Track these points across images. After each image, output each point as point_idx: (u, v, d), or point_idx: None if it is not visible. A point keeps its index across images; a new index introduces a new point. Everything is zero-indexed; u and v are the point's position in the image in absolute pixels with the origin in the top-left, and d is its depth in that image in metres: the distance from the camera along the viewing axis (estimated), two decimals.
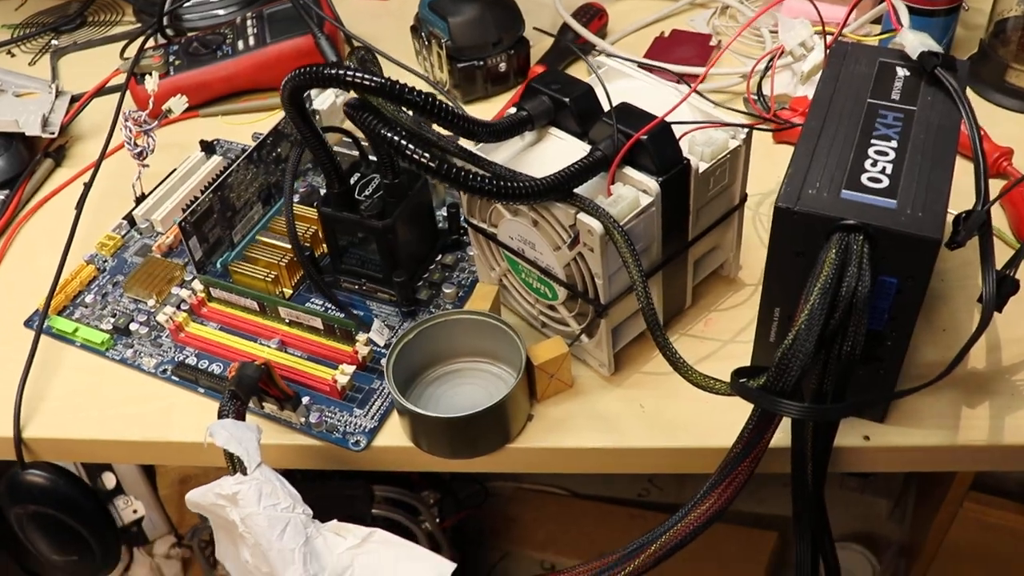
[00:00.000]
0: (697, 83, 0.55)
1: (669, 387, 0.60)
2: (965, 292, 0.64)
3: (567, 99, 0.56)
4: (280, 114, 0.84)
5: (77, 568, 0.69)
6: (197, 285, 0.66)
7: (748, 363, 0.60)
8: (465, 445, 0.57)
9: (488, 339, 0.60)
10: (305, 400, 0.59)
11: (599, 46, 0.88)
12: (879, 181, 0.50)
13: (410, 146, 0.48)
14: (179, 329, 0.64)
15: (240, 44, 0.85)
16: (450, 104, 0.50)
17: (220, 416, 0.52)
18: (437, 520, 1.10)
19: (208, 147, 0.78)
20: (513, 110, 0.57)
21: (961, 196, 0.53)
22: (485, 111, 0.84)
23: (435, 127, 0.52)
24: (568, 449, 0.58)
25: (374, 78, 0.49)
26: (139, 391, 0.63)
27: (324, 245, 0.67)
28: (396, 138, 0.49)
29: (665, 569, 1.26)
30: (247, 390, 0.54)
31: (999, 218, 0.70)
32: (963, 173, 0.53)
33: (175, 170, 0.77)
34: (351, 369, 0.60)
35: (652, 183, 0.53)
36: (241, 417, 0.53)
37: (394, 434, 0.59)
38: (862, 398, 0.52)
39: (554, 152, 0.56)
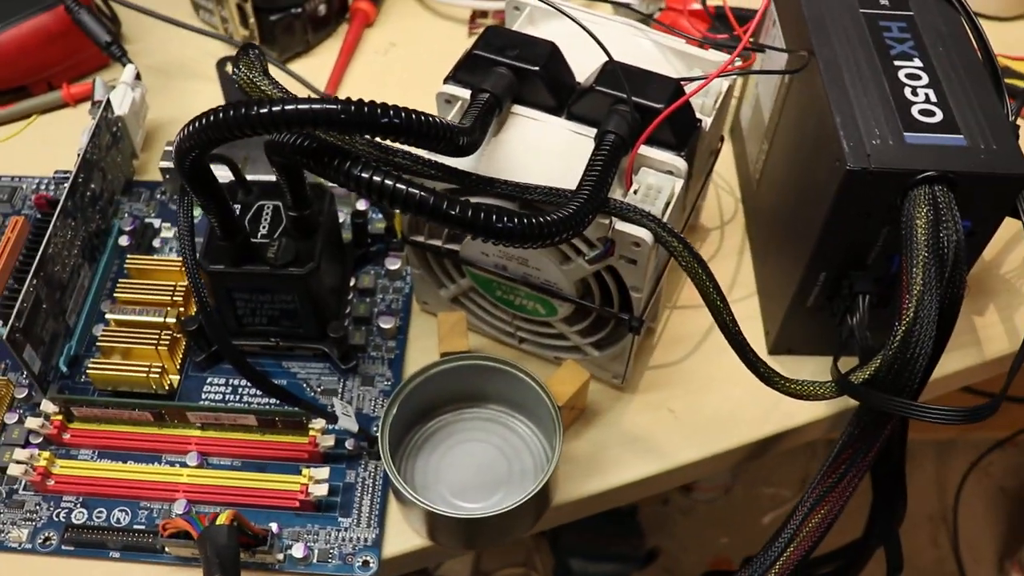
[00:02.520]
0: (734, 55, 0.44)
1: (689, 381, 0.52)
2: None
3: (536, 67, 0.43)
4: (43, 125, 0.63)
5: None
6: (49, 407, 0.47)
7: (759, 326, 0.53)
8: (498, 534, 0.46)
9: (478, 381, 0.48)
10: (273, 527, 0.45)
11: None
12: (932, 114, 0.43)
13: (413, 190, 0.34)
14: (45, 478, 0.46)
15: None
16: (433, 116, 0.36)
17: None
18: None
19: None
20: (458, 89, 0.43)
21: None
22: (312, 67, 0.67)
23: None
24: (614, 489, 0.48)
25: (332, 105, 0.33)
26: None
27: (197, 304, 0.51)
28: (390, 183, 0.34)
29: None
30: (233, 564, 0.39)
31: None
32: None
33: None
34: (325, 471, 0.46)
35: (679, 162, 0.43)
36: None
37: (402, 533, 0.46)
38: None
39: (533, 139, 0.43)
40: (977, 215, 0.43)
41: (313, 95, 0.61)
